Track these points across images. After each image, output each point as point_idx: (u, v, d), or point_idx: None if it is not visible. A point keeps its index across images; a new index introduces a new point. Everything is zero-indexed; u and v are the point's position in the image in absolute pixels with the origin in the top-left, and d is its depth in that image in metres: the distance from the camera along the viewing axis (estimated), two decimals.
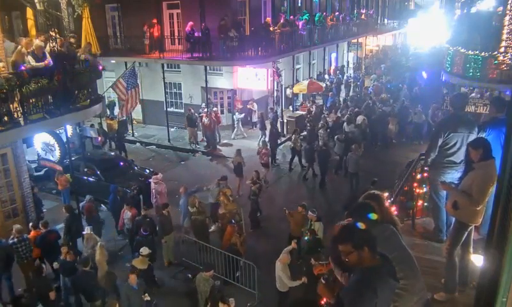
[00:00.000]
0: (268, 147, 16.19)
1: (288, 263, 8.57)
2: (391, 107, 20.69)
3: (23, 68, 9.83)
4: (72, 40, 12.34)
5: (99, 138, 17.93)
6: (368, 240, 3.04)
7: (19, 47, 10.25)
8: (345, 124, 17.92)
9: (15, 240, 9.33)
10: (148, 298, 8.02)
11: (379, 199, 3.98)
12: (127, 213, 11.11)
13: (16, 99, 9.30)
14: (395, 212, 4.64)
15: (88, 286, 8.59)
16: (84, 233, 10.19)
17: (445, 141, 5.46)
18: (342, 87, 27.08)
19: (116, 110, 21.57)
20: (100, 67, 12.94)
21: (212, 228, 11.74)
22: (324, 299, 3.70)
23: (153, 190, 12.46)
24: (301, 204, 10.63)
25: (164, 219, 10.61)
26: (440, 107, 18.05)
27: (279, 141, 18.72)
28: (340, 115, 19.64)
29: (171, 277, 10.61)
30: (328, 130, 17.67)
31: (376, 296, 2.91)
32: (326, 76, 27.08)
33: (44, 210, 12.53)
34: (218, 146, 19.24)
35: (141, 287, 8.15)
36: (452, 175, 5.59)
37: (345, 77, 28.66)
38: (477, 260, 4.77)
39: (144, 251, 8.96)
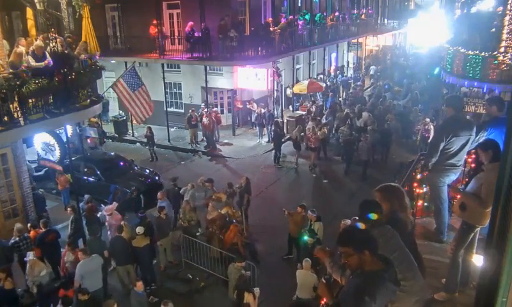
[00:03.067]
0: (317, 131, 16.97)
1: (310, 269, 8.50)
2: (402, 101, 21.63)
3: (23, 67, 9.84)
4: (70, 40, 12.32)
5: (89, 140, 17.80)
6: (369, 243, 3.02)
7: (20, 48, 10.25)
8: (355, 119, 18.68)
9: (17, 239, 9.32)
10: (156, 298, 8.09)
11: (399, 192, 3.96)
12: (68, 255, 9.20)
13: (16, 99, 9.30)
14: None
15: (120, 250, 9.42)
16: (27, 259, 9.02)
17: (446, 145, 5.45)
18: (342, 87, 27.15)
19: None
20: (97, 57, 12.79)
21: (199, 231, 11.53)
22: (324, 300, 3.69)
23: (106, 223, 10.98)
24: (300, 204, 10.61)
25: (161, 221, 10.43)
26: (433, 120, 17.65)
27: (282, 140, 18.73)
28: (327, 121, 19.67)
29: (171, 278, 10.59)
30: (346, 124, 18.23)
31: (375, 302, 2.90)
32: (320, 76, 27.15)
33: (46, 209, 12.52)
34: (218, 146, 19.25)
35: (146, 291, 8.24)
36: (451, 178, 5.62)
37: (344, 78, 28.70)
38: (477, 260, 4.77)
39: (140, 229, 9.50)
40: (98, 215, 11.14)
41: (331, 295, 3.40)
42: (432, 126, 16.33)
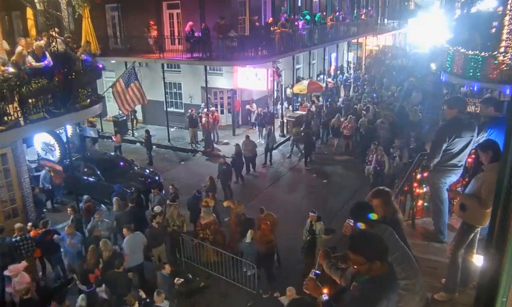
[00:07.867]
0: (353, 119, 18.20)
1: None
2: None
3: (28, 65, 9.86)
4: (69, 40, 12.33)
5: (115, 138, 18.10)
6: (382, 254, 2.99)
7: (19, 48, 10.25)
8: (363, 112, 19.49)
9: (18, 238, 9.30)
10: (182, 279, 9.09)
11: (387, 195, 4.00)
12: None
13: (16, 99, 9.30)
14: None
15: (136, 220, 10.19)
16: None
17: (448, 146, 5.44)
18: (342, 87, 27.14)
19: None
20: (100, 65, 12.89)
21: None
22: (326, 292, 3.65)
23: (13, 288, 8.37)
24: (260, 209, 10.38)
25: (154, 230, 10.04)
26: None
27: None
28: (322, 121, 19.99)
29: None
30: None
31: (389, 303, 2.94)
32: (321, 76, 27.17)
33: (44, 210, 12.52)
34: (217, 146, 19.24)
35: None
36: (452, 178, 5.61)
37: (344, 77, 28.68)
38: (477, 260, 4.77)
39: (157, 208, 10.43)
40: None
41: (318, 291, 3.35)
42: (386, 158, 13.55)
